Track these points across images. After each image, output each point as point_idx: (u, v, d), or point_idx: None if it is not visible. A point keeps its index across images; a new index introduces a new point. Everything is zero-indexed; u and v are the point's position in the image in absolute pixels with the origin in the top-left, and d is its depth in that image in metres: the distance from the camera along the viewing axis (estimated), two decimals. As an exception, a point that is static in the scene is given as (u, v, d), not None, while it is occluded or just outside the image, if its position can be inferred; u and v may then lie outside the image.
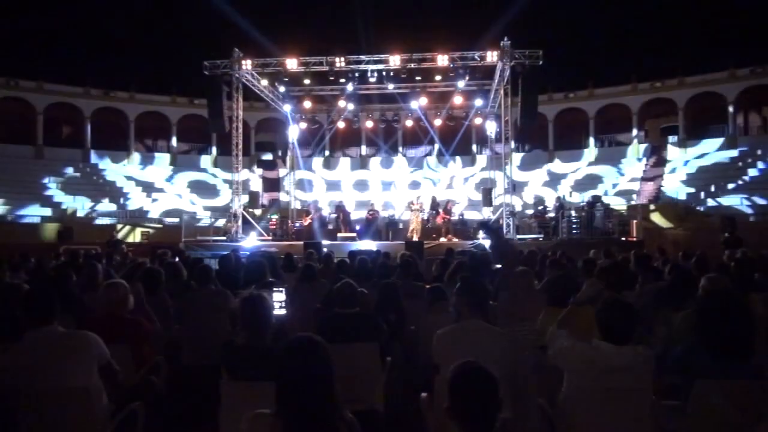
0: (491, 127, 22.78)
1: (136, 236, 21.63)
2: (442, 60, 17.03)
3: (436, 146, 31.60)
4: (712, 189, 25.60)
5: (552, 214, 18.94)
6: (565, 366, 2.96)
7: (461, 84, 18.50)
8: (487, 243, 15.29)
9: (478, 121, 23.53)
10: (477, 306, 3.54)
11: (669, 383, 3.15)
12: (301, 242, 15.28)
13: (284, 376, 2.06)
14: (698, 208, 23.83)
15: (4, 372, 3.04)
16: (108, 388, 3.30)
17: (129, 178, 30.80)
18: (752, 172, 26.18)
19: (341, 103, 21.37)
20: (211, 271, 5.77)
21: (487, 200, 21.13)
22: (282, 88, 19.49)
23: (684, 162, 29.18)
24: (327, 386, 2.05)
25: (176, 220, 24.23)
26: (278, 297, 5.69)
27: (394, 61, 17.02)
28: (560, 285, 4.21)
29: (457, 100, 20.61)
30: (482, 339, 3.38)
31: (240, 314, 3.24)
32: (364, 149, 34.55)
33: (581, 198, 25.77)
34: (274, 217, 20.67)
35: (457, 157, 32.58)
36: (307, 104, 21.04)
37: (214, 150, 33.35)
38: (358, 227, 19.71)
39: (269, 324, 3.28)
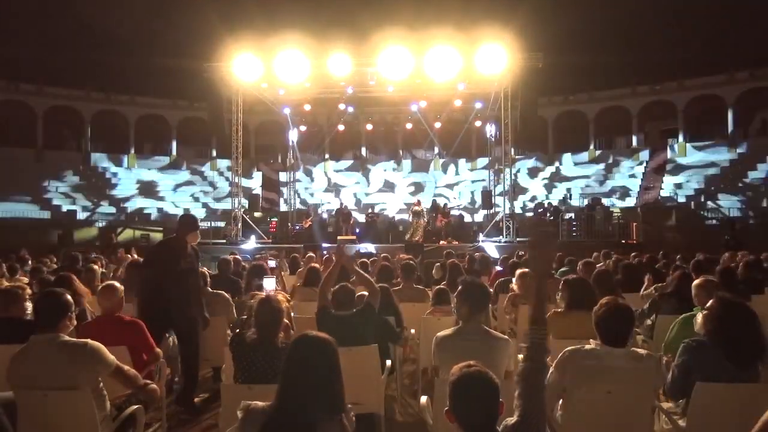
0: (491, 130, 22.79)
1: (135, 239, 21.61)
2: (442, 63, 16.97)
3: (436, 149, 31.64)
4: (712, 191, 25.62)
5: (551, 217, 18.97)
6: (566, 379, 2.93)
7: (461, 87, 18.50)
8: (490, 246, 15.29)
9: (477, 123, 23.53)
10: (477, 309, 3.53)
11: (669, 385, 3.16)
12: (301, 245, 15.31)
13: (288, 369, 2.14)
14: (698, 210, 23.85)
15: (7, 374, 3.05)
16: (128, 389, 3.40)
17: (129, 181, 30.83)
18: (752, 175, 26.21)
19: (341, 106, 21.37)
20: (205, 275, 5.77)
21: (487, 203, 21.16)
22: (282, 91, 19.49)
23: (684, 164, 29.21)
24: (329, 384, 2.11)
25: (176, 223, 24.22)
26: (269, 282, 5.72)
27: (394, 63, 16.98)
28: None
29: (457, 102, 20.60)
30: (481, 342, 3.38)
31: (254, 313, 3.39)
32: (364, 152, 34.58)
33: (581, 200, 25.84)
34: (274, 219, 20.67)
35: (457, 160, 32.61)
36: (307, 107, 21.04)
37: (214, 153, 33.36)
38: (357, 230, 19.74)
39: (280, 325, 3.36)
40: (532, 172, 31.71)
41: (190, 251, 5.05)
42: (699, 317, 3.77)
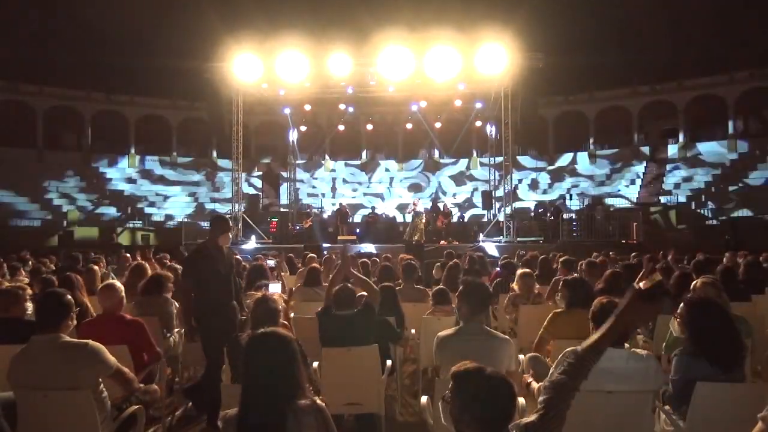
0: (491, 130, 22.78)
1: (136, 240, 21.63)
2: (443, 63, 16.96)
3: (437, 149, 31.63)
4: (712, 191, 25.62)
5: (551, 217, 18.98)
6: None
7: (461, 87, 18.49)
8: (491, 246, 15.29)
9: (478, 123, 23.50)
10: (478, 309, 3.53)
11: (668, 386, 3.16)
12: (302, 245, 15.31)
13: (246, 368, 2.23)
14: (698, 210, 23.86)
15: (8, 374, 3.06)
16: (124, 391, 3.41)
17: (129, 181, 30.83)
18: (752, 175, 26.22)
19: (341, 106, 21.35)
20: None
21: (487, 203, 21.16)
22: (282, 91, 19.49)
23: (684, 164, 29.21)
24: (287, 374, 2.18)
25: (176, 223, 24.26)
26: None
27: (394, 63, 16.96)
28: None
29: (457, 102, 20.58)
30: (483, 342, 3.38)
31: (250, 314, 3.43)
32: (364, 152, 34.56)
33: (581, 201, 25.84)
34: (274, 219, 20.67)
35: (457, 160, 32.59)
36: (307, 107, 21.03)
37: (214, 153, 33.35)
38: (357, 230, 19.75)
39: (276, 325, 3.34)
40: (532, 172, 31.68)
41: (227, 253, 4.86)
42: (673, 322, 3.77)
